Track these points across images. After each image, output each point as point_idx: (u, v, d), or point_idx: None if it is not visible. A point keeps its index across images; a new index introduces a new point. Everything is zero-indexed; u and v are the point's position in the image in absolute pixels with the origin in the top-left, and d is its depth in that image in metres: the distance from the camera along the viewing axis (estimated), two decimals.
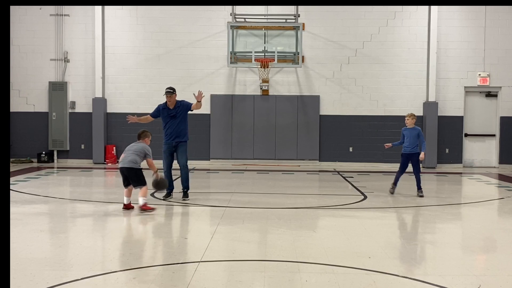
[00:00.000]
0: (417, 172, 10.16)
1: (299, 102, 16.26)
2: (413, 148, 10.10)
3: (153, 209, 8.07)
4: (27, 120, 16.37)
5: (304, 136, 16.28)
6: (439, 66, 16.06)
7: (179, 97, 9.76)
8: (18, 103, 16.30)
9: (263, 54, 15.36)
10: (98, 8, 16.05)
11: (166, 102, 9.39)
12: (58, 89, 16.26)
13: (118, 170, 8.43)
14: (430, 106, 16.00)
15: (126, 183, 8.17)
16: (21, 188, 10.52)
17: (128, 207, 8.17)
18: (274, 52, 14.97)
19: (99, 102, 16.19)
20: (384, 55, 16.21)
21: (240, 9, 15.77)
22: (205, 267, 5.22)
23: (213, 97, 16.30)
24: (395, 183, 10.33)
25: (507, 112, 16.28)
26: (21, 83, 16.35)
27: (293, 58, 15.55)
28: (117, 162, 13.50)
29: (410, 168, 10.23)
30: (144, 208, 7.98)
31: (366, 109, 16.29)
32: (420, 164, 10.32)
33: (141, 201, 7.98)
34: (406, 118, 10.27)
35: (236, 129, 16.24)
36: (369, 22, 16.21)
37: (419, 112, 16.13)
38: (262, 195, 10.28)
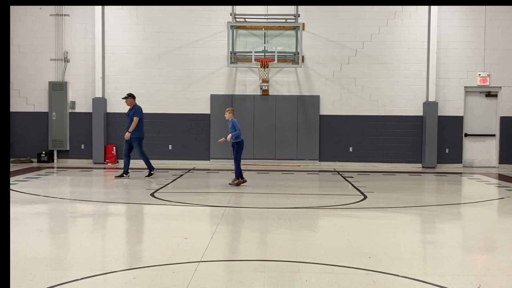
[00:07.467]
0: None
1: (299, 102, 16.26)
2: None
3: None
4: (27, 120, 16.36)
5: (304, 136, 16.27)
6: (439, 66, 16.05)
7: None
8: (18, 103, 16.29)
9: (263, 54, 15.35)
10: (98, 8, 16.04)
11: None
12: (58, 89, 16.25)
13: None
14: (430, 106, 15.99)
15: None
16: (21, 188, 10.51)
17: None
18: (274, 52, 14.95)
19: (99, 102, 16.19)
20: (384, 55, 16.21)
21: (240, 9, 15.76)
22: (205, 267, 5.22)
23: (213, 97, 16.30)
24: None
25: (507, 112, 16.27)
26: (21, 83, 16.34)
27: (293, 58, 15.54)
28: (117, 162, 13.54)
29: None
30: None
31: (366, 109, 16.29)
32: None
33: None
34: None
35: None
36: (369, 22, 16.20)
37: (419, 112, 16.14)
38: (262, 195, 10.28)
